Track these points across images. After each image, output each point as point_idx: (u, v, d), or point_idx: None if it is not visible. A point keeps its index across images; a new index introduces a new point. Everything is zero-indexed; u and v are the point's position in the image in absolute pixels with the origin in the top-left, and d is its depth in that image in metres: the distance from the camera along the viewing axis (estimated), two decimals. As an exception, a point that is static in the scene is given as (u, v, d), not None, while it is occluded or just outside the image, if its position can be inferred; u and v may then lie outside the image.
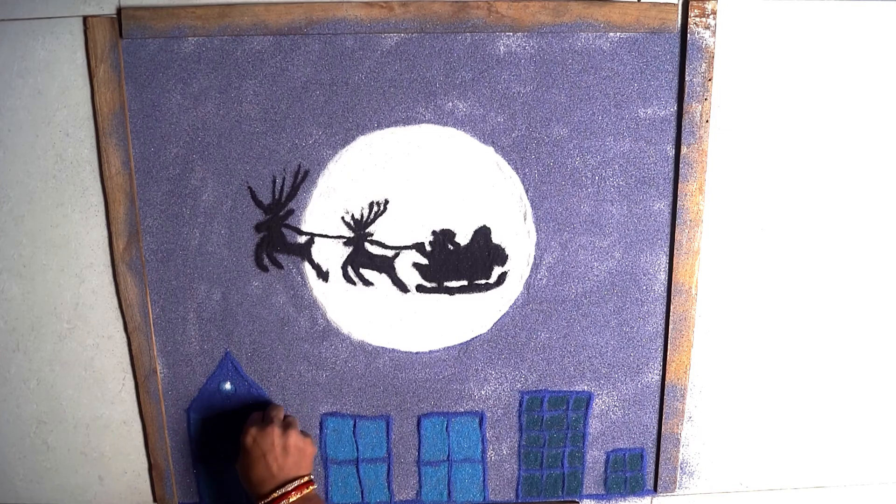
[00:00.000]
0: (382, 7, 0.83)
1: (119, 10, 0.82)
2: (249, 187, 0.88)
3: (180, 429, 0.95)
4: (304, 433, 0.88)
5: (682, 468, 1.00)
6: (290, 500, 0.83)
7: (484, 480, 0.98)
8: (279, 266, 0.90)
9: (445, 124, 0.87)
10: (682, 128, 0.87)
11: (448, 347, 0.94)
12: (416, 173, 0.88)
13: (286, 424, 0.87)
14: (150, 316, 0.91)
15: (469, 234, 0.90)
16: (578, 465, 0.98)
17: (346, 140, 0.87)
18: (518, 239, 0.91)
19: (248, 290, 0.90)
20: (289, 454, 0.85)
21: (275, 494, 0.83)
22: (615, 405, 0.96)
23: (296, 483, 0.84)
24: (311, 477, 0.86)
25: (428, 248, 0.90)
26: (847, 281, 0.95)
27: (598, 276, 0.92)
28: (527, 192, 0.89)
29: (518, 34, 0.84)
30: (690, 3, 0.84)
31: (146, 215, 0.88)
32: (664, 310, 0.93)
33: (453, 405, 0.96)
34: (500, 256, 0.91)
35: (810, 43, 0.86)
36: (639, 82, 0.86)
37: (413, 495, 0.98)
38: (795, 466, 1.01)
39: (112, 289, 0.90)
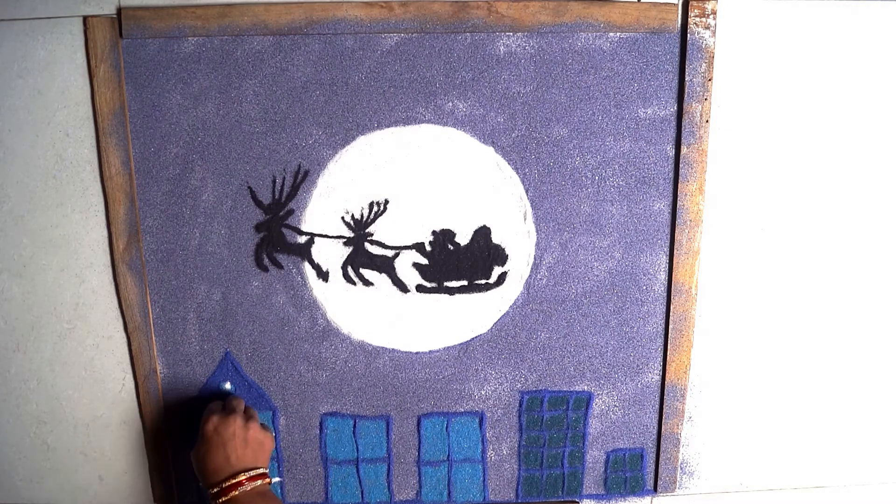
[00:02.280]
0: (382, 7, 0.83)
1: (119, 10, 0.82)
2: (249, 187, 0.88)
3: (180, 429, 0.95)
4: (265, 426, 0.88)
5: (682, 468, 1.00)
6: (244, 488, 0.81)
7: (484, 480, 0.98)
8: (279, 266, 0.90)
9: (445, 124, 0.87)
10: (682, 128, 0.87)
11: (448, 347, 0.94)
12: (416, 173, 0.88)
13: (248, 416, 0.87)
14: (150, 316, 0.91)
15: (469, 234, 0.90)
16: (578, 465, 0.98)
17: (346, 140, 0.87)
18: (518, 239, 0.91)
19: (248, 290, 0.91)
20: (248, 445, 0.84)
21: (227, 483, 0.81)
22: (615, 405, 0.96)
23: (251, 473, 0.82)
24: (267, 471, 0.85)
25: (428, 248, 0.90)
26: (847, 281, 0.95)
27: (598, 276, 0.92)
28: (527, 192, 0.89)
29: (518, 34, 0.84)
30: (690, 3, 0.84)
31: (146, 215, 0.88)
32: (664, 310, 0.93)
33: (453, 405, 0.96)
34: (500, 256, 0.91)
35: (810, 43, 0.87)
36: (639, 82, 0.86)
37: (413, 495, 0.98)
38: (795, 466, 1.01)
39: (112, 289, 0.90)
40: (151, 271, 0.90)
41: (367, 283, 0.91)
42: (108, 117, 0.85)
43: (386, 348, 0.93)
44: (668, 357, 0.95)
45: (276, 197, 0.88)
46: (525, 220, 0.90)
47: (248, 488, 0.81)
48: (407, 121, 0.87)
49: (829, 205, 0.92)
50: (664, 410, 0.97)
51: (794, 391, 0.98)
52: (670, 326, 0.93)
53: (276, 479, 0.85)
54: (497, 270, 0.92)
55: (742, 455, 1.00)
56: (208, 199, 0.88)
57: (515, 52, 0.85)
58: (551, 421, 0.97)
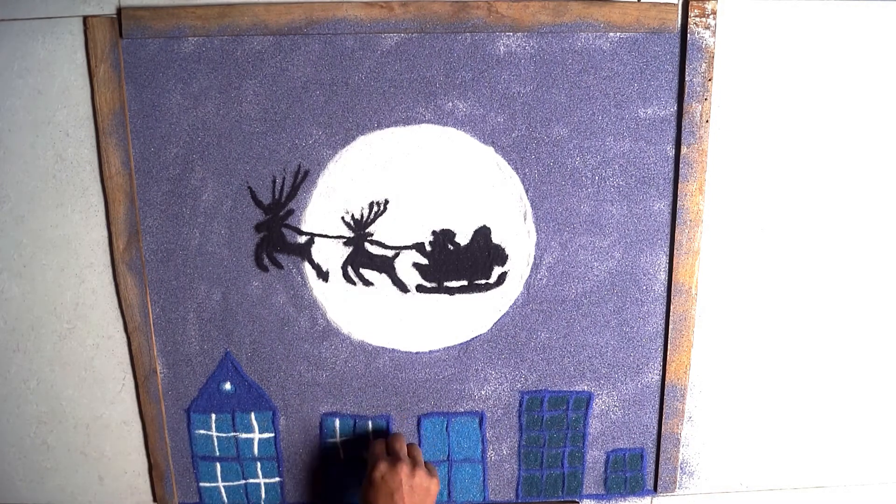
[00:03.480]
0: (382, 7, 0.83)
1: (119, 10, 0.82)
2: (249, 187, 0.88)
3: (180, 429, 0.95)
4: (429, 470, 0.89)
5: (682, 468, 1.00)
6: None
7: (484, 480, 0.98)
8: (279, 266, 0.90)
9: (445, 124, 0.87)
10: (682, 128, 0.87)
11: (448, 347, 0.94)
12: (416, 173, 0.88)
13: (414, 461, 0.88)
14: (150, 316, 0.91)
15: (469, 234, 0.90)
16: (578, 465, 0.98)
17: (346, 140, 0.87)
18: (518, 239, 0.91)
19: (248, 290, 0.91)
20: (415, 493, 0.85)
21: None
22: (615, 405, 0.96)
23: None
24: None
25: (428, 248, 0.90)
26: (847, 281, 0.95)
27: (598, 276, 0.92)
28: (527, 192, 0.89)
29: (518, 34, 0.84)
30: (690, 3, 0.84)
31: (146, 215, 0.88)
32: (664, 310, 0.93)
33: (453, 405, 0.96)
34: (500, 256, 0.91)
35: (810, 43, 0.87)
36: (639, 82, 0.86)
37: (413, 495, 0.98)
38: (795, 466, 1.01)
39: (112, 289, 0.90)
40: (151, 271, 0.90)
41: (367, 283, 0.91)
42: (108, 117, 0.85)
43: (386, 348, 0.93)
44: (668, 357, 0.95)
45: (276, 197, 0.88)
46: (525, 220, 0.90)
47: None
48: (407, 121, 0.87)
49: (829, 205, 0.92)
50: (664, 410, 0.97)
51: (794, 391, 0.98)
52: (670, 326, 0.93)
53: None
54: (497, 270, 0.92)
55: (742, 455, 1.00)
56: (208, 199, 0.88)
57: (515, 52, 0.85)
58: (551, 421, 0.97)
